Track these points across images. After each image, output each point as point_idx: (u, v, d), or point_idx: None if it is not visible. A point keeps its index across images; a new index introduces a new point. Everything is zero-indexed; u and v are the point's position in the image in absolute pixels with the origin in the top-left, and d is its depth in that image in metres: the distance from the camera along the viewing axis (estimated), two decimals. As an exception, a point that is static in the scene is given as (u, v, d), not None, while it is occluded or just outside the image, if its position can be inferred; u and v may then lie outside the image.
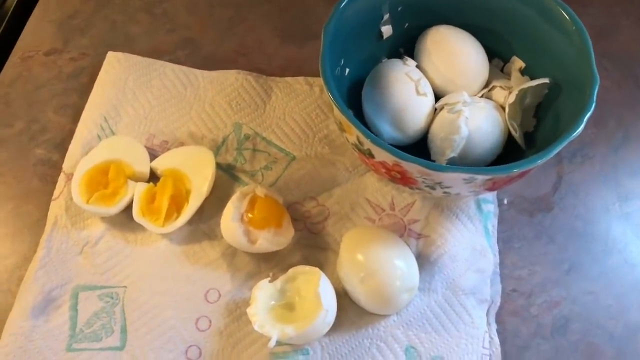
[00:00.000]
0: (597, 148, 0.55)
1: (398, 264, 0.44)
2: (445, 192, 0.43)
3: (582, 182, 0.53)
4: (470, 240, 0.49)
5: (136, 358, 0.44)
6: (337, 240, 0.49)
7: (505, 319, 0.47)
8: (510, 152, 0.48)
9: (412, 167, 0.40)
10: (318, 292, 0.42)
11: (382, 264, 0.44)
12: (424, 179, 0.41)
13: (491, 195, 0.51)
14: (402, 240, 0.47)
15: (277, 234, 0.46)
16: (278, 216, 0.47)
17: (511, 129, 0.47)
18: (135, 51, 0.58)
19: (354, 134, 0.42)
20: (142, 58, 0.57)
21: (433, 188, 0.42)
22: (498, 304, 0.47)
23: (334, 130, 0.54)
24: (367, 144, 0.41)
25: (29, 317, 0.45)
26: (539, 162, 0.39)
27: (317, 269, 0.44)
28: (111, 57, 0.57)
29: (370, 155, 0.42)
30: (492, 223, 0.50)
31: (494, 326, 0.46)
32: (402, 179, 0.43)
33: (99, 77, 0.56)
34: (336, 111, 0.42)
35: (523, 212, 0.52)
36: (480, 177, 0.40)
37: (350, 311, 0.46)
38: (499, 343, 0.45)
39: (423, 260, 0.47)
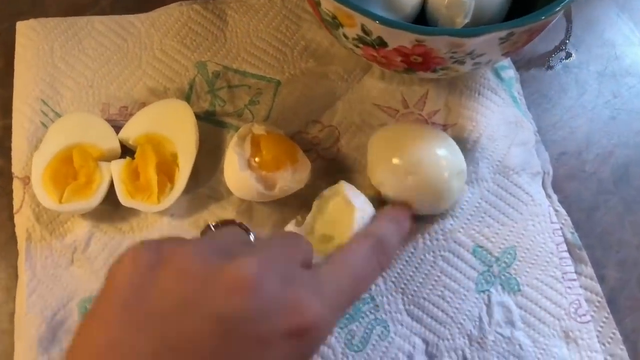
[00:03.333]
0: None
1: (440, 153, 0.38)
2: (475, 64, 0.37)
3: (594, 19, 0.48)
4: (502, 114, 0.43)
5: None
6: (357, 158, 0.42)
7: (564, 186, 0.42)
8: (517, 6, 0.42)
9: (440, 42, 0.33)
10: (345, 194, 0.37)
11: (421, 156, 0.37)
12: (453, 53, 0.34)
13: (506, 61, 0.45)
14: (430, 126, 0.41)
15: (295, 170, 0.39)
16: (289, 150, 0.40)
17: (516, -24, 0.41)
18: (49, 14, 0.48)
19: (356, 24, 0.34)
20: (61, 19, 0.47)
21: (462, 62, 0.36)
22: (551, 172, 0.42)
23: (312, 39, 0.46)
24: (378, 30, 0.34)
25: (39, 352, 0.37)
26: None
27: (337, 185, 0.38)
28: (23, 27, 0.47)
29: (382, 45, 0.35)
30: (517, 89, 0.45)
31: (555, 197, 0.42)
32: (424, 63, 0.36)
33: (16, 55, 0.46)
34: (327, 4, 0.35)
35: (543, 69, 0.46)
36: (519, 31, 0.34)
37: (400, 229, 0.40)
38: (565, 213, 0.41)
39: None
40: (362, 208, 0.37)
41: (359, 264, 0.30)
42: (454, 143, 0.39)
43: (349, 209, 0.37)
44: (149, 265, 0.24)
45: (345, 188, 0.38)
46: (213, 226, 0.32)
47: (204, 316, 0.23)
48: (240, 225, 0.32)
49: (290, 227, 0.38)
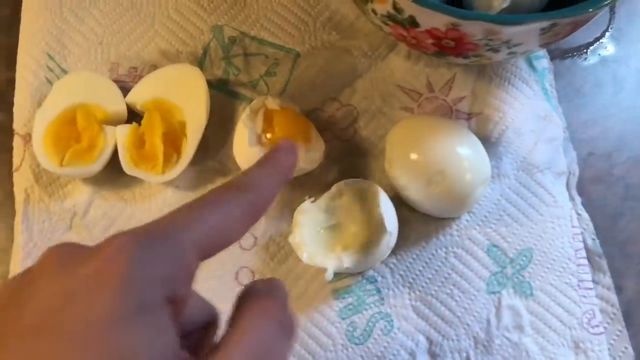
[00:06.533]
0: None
1: (463, 154, 0.36)
2: (510, 53, 0.34)
3: (636, 11, 0.44)
4: (532, 107, 0.41)
5: (178, 334, 0.36)
6: (374, 142, 0.40)
7: (589, 189, 0.40)
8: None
9: (476, 27, 0.30)
10: (380, 213, 0.34)
11: (445, 160, 0.36)
12: (489, 40, 0.32)
13: (542, 50, 0.42)
14: (457, 123, 0.39)
15: (308, 150, 0.37)
16: (303, 128, 0.38)
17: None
18: (59, -39, 0.45)
19: (388, 0, 0.31)
20: (72, -33, 0.44)
21: (497, 50, 0.33)
22: (577, 173, 0.40)
23: (337, 10, 0.43)
24: (412, 8, 0.31)
25: (33, 319, 0.36)
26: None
27: (371, 182, 0.36)
28: (32, -26, 0.44)
29: (413, 24, 0.32)
30: (549, 81, 0.42)
31: (578, 200, 0.39)
32: (457, 48, 0.33)
33: (23, 3, 0.43)
34: (356, -24, 0.32)
35: (579, 61, 0.43)
36: (563, 22, 0.31)
37: (413, 221, 0.38)
38: (588, 217, 0.39)
39: (482, 142, 0.39)
40: (391, 231, 0.35)
41: None
42: (480, 144, 0.37)
43: (377, 224, 0.35)
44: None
45: (381, 199, 0.35)
46: None
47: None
48: None
49: (306, 203, 0.36)
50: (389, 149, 0.38)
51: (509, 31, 0.31)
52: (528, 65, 0.42)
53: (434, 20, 0.31)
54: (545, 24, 0.30)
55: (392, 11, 0.32)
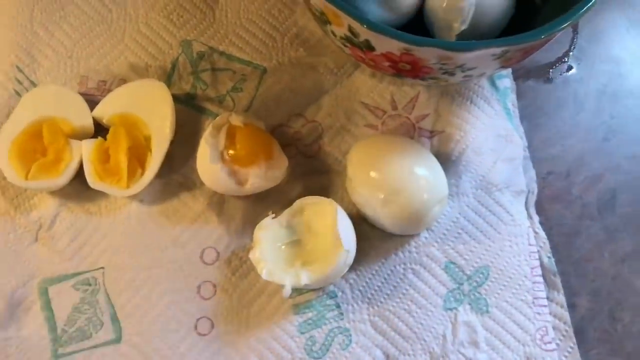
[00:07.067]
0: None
1: (421, 173, 0.37)
2: (466, 76, 0.35)
3: (601, 32, 0.45)
4: (493, 126, 0.41)
5: (138, 347, 0.37)
6: (338, 159, 0.41)
7: (547, 207, 0.41)
8: (521, 12, 0.39)
9: (429, 53, 0.31)
10: (337, 231, 0.35)
11: (403, 178, 0.36)
12: (443, 64, 0.32)
13: (506, 69, 0.43)
14: (417, 143, 0.39)
15: (270, 167, 0.38)
16: (266, 146, 0.38)
17: (522, -18, 0.38)
18: (32, -26, 0.45)
19: (344, 24, 0.32)
20: (43, -19, 0.45)
21: (452, 74, 0.34)
22: (535, 192, 0.41)
23: (304, 27, 0.44)
24: (365, 33, 0.32)
25: (-5, 330, 0.37)
26: (590, 3, 0.31)
27: (330, 200, 0.37)
28: (2, -13, 0.44)
29: (369, 48, 0.33)
30: (512, 101, 0.43)
31: (536, 218, 0.40)
32: (413, 70, 0.34)
33: (-6, 16, 0.44)
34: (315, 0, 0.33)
35: (541, 80, 0.44)
36: (514, 48, 0.32)
37: (373, 237, 0.39)
38: (545, 236, 0.40)
39: (443, 160, 0.39)
40: (348, 249, 0.35)
41: None
42: (437, 164, 0.38)
43: (335, 241, 0.35)
44: None
45: (338, 217, 0.36)
46: None
47: None
48: None
49: (267, 220, 0.37)
50: (350, 166, 0.38)
51: (461, 57, 0.31)
52: (490, 84, 0.42)
53: (388, 44, 0.32)
54: (496, 50, 0.31)
55: (348, 34, 0.33)
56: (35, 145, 0.39)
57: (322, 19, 0.35)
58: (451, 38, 0.37)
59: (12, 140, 0.39)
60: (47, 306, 0.38)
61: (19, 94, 0.42)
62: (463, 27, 0.37)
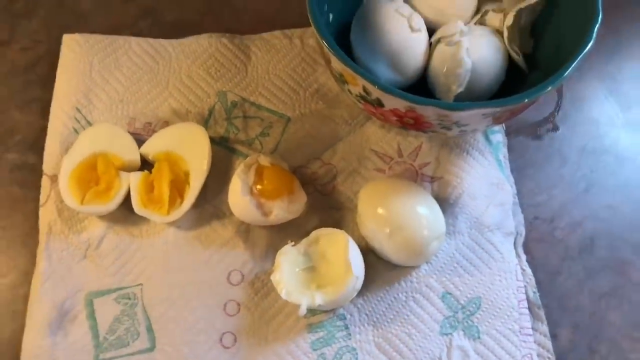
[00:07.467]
0: (591, 60, 0.53)
1: (422, 212, 0.43)
2: (461, 131, 0.41)
3: (583, 98, 0.52)
4: (486, 175, 0.47)
5: (169, 356, 0.42)
6: (350, 197, 0.47)
7: (533, 248, 0.46)
8: (511, 78, 0.46)
9: (429, 111, 0.37)
10: (348, 259, 0.40)
11: (406, 216, 0.42)
12: (441, 120, 0.39)
13: (498, 125, 0.50)
14: (420, 186, 0.45)
15: (291, 202, 0.44)
16: (289, 183, 0.44)
17: (512, 54, 0.45)
18: (92, 29, 0.53)
19: (359, 84, 0.39)
20: (102, 36, 0.52)
21: (449, 128, 0.40)
22: (523, 234, 0.46)
23: (324, 83, 0.51)
24: (377, 92, 0.38)
25: (47, 335, 0.42)
26: (566, 74, 0.37)
27: (342, 232, 0.42)
28: (68, 40, 0.52)
29: (380, 105, 0.40)
30: (503, 153, 0.49)
31: (523, 257, 0.46)
32: (416, 124, 0.40)
33: (59, 64, 0.51)
34: (335, 62, 0.39)
35: (530, 137, 0.50)
36: (501, 109, 0.38)
37: (379, 267, 0.44)
38: (531, 273, 0.45)
39: (442, 203, 0.45)
40: (357, 275, 0.41)
41: None
42: (437, 205, 0.44)
43: (346, 268, 0.40)
44: None
45: (349, 246, 0.41)
46: None
47: None
48: None
49: (287, 247, 0.42)
50: (360, 204, 0.44)
51: (456, 115, 0.38)
52: (485, 138, 0.49)
53: (395, 102, 0.38)
54: (487, 110, 0.38)
55: (363, 93, 0.40)
56: (90, 176, 0.45)
57: (341, 80, 0.41)
58: (450, 99, 0.44)
59: (71, 170, 0.45)
60: (92, 316, 0.43)
61: (76, 132, 0.48)
62: (460, 90, 0.43)
